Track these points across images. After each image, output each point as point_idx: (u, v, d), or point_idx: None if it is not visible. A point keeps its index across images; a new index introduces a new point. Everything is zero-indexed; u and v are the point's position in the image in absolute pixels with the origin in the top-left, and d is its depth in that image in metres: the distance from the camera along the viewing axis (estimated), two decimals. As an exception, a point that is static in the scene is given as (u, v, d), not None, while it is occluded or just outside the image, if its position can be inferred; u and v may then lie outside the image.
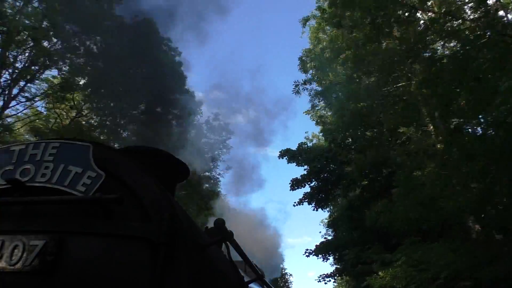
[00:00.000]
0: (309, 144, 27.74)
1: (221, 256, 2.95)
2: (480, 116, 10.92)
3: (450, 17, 10.81)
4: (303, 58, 23.72)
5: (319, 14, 20.95)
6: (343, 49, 17.62)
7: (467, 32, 10.42)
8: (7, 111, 14.61)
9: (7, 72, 13.82)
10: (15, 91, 14.39)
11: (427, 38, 11.47)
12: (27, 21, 13.34)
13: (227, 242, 2.45)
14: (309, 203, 26.31)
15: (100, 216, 1.91)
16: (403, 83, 15.66)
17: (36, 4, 13.97)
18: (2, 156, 2.19)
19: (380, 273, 13.78)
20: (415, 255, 12.77)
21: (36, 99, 15.54)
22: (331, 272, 29.79)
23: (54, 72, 15.73)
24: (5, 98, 14.02)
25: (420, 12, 12.52)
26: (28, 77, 14.48)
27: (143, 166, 2.47)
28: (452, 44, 13.27)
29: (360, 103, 18.13)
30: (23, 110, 15.80)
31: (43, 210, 1.95)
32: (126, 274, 1.72)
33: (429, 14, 12.32)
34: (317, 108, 27.04)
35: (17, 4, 13.69)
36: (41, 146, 2.16)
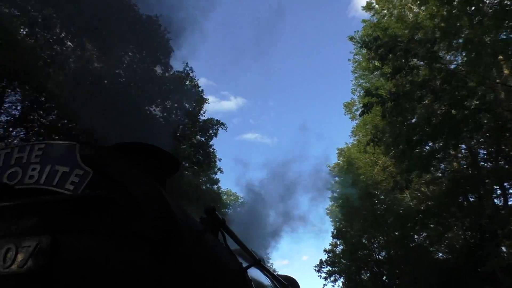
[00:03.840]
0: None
1: (218, 244, 2.98)
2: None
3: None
4: None
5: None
6: None
7: None
8: None
9: None
10: None
11: None
12: None
13: (221, 229, 2.47)
14: None
15: (91, 214, 1.91)
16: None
17: None
18: None
19: None
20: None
21: None
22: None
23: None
24: None
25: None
26: None
27: (132, 161, 2.47)
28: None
29: None
30: None
31: (33, 211, 1.95)
32: (121, 271, 1.73)
33: None
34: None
35: None
36: (27, 149, 2.15)
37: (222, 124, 22.37)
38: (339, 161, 33.55)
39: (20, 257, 1.80)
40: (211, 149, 22.76)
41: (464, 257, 19.79)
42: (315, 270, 38.13)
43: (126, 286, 1.69)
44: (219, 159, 25.90)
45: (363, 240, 33.33)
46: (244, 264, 3.41)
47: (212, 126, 21.98)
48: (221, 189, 38.84)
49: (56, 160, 2.08)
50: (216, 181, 31.82)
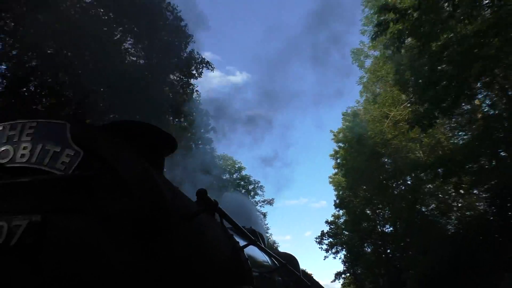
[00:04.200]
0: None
1: (213, 224, 2.99)
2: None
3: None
4: None
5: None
6: None
7: None
8: None
9: None
10: None
11: None
12: None
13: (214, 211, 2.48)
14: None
15: (80, 194, 1.92)
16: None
17: None
18: None
19: None
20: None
21: None
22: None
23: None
24: None
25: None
26: None
27: (125, 141, 2.46)
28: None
29: None
30: None
31: (24, 190, 1.96)
32: (109, 252, 1.75)
33: None
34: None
35: None
36: (18, 127, 2.14)
37: (208, 63, 19.25)
38: (344, 126, 31.96)
39: (11, 235, 1.82)
40: (194, 90, 19.55)
41: (477, 228, 17.94)
42: (316, 241, 38.05)
43: (111, 265, 1.71)
44: (210, 117, 23.32)
45: (367, 211, 32.00)
46: (243, 244, 3.45)
47: (196, 63, 18.72)
48: (217, 153, 36.51)
49: (47, 139, 2.07)
50: (209, 141, 26.92)
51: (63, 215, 1.86)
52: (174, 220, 2.04)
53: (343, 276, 38.36)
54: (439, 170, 15.75)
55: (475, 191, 19.86)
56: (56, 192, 1.93)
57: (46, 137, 2.08)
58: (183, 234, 2.08)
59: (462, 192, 18.91)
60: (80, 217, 1.86)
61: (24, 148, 2.07)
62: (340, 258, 37.30)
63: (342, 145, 32.38)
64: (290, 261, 6.53)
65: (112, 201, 1.90)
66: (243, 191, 39.25)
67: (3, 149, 2.09)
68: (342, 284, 41.70)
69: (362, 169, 26.43)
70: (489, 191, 18.12)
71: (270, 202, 42.29)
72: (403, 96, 22.15)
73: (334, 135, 33.31)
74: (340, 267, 51.83)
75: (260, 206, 41.53)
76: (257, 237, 5.93)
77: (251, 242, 3.45)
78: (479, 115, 17.60)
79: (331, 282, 38.12)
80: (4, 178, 1.98)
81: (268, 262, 4.95)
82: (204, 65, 19.09)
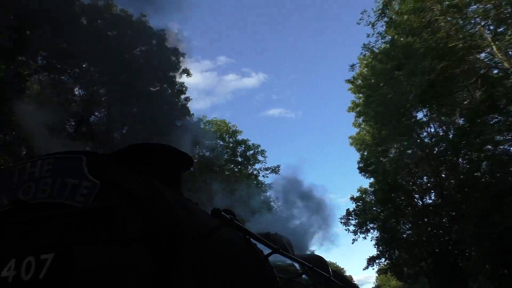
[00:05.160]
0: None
1: (234, 237, 3.03)
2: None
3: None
4: None
5: None
6: None
7: None
8: None
9: None
10: None
11: None
12: None
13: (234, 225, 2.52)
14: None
15: (101, 223, 2.00)
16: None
17: None
18: (4, 177, 2.31)
19: None
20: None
21: None
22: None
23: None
24: None
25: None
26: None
27: (139, 165, 2.54)
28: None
29: None
30: None
31: (48, 224, 2.06)
32: (129, 276, 1.82)
33: None
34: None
35: None
36: (38, 164, 2.26)
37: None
38: (364, 70, 27.36)
39: (39, 268, 1.91)
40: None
41: None
42: (341, 222, 32.21)
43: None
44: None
45: (399, 178, 26.17)
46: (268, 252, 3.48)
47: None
48: (207, 118, 31.47)
49: (65, 173, 2.17)
50: (182, 90, 21.21)
51: (85, 246, 1.95)
52: (190, 239, 2.10)
53: (377, 261, 32.25)
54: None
55: None
56: (77, 224, 2.02)
57: (64, 171, 2.18)
58: (198, 253, 2.13)
59: None
60: (101, 246, 1.94)
61: (45, 183, 2.17)
62: (371, 239, 31.55)
63: (361, 95, 27.86)
64: (318, 263, 6.52)
65: (129, 227, 1.97)
66: (241, 160, 33.17)
67: (25, 186, 2.20)
68: (377, 271, 35.97)
69: (389, 100, 22.43)
70: None
71: (275, 170, 33.97)
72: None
73: (353, 78, 27.85)
74: (373, 251, 43.72)
75: (263, 176, 34.21)
76: (283, 244, 5.95)
77: (274, 251, 3.47)
78: None
79: (363, 269, 34.66)
80: (27, 215, 2.09)
81: (295, 267, 4.97)
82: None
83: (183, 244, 1.97)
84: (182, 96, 20.76)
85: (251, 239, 3.31)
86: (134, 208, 2.03)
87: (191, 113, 21.02)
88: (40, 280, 1.87)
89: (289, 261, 4.68)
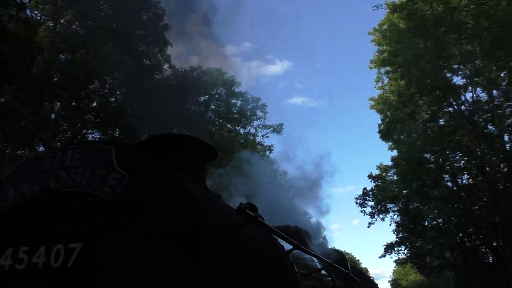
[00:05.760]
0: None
1: (256, 233, 3.04)
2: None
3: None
4: None
5: None
6: None
7: None
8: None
9: None
10: None
11: None
12: None
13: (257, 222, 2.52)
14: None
15: (129, 215, 2.03)
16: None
17: None
18: (35, 164, 2.36)
19: None
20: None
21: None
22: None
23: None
24: None
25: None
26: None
27: (166, 156, 2.55)
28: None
29: None
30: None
31: (77, 213, 2.10)
32: (155, 268, 1.84)
33: None
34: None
35: None
36: (69, 153, 2.30)
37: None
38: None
39: (68, 256, 1.96)
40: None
41: None
42: (356, 203, 28.04)
43: (156, 281, 1.80)
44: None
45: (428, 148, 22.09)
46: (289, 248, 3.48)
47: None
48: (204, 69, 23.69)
49: (95, 163, 2.20)
50: (166, 42, 18.33)
51: (112, 236, 1.98)
52: (215, 233, 2.11)
53: (395, 249, 28.04)
54: None
55: None
56: (105, 214, 2.05)
57: (94, 161, 2.21)
58: (223, 248, 2.14)
59: None
60: (127, 237, 1.97)
61: (75, 173, 2.21)
62: (390, 223, 27.34)
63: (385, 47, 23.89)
64: (338, 258, 6.48)
65: (156, 220, 1.99)
66: (237, 116, 27.93)
67: (56, 174, 2.25)
68: (395, 261, 31.64)
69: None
70: None
71: (276, 130, 29.11)
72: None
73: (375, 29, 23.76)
74: (392, 238, 37.13)
75: (263, 136, 29.48)
76: (303, 237, 5.94)
77: (295, 247, 3.47)
78: None
79: (379, 257, 29.48)
80: (58, 203, 2.13)
81: (314, 262, 4.95)
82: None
83: (208, 238, 1.98)
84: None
85: (273, 235, 3.31)
86: (160, 202, 2.04)
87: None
88: (69, 268, 1.92)
89: (308, 256, 4.67)
